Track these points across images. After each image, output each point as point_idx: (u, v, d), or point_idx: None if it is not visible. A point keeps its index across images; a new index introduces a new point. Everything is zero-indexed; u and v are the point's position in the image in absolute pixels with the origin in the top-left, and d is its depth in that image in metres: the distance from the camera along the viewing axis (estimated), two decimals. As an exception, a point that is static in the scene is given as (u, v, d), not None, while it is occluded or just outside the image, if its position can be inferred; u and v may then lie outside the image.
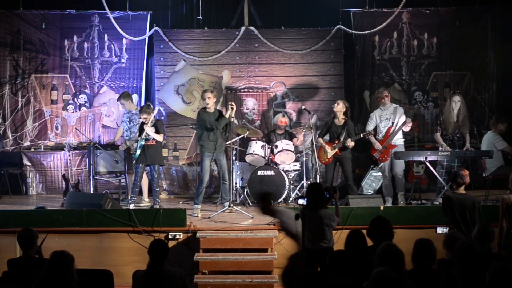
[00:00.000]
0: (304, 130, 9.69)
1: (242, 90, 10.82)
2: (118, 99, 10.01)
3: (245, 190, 9.49)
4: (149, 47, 10.99)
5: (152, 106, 9.41)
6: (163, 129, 9.08)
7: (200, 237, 7.61)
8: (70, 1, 10.96)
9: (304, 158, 9.52)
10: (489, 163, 8.95)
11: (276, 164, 9.57)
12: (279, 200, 9.32)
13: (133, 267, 6.16)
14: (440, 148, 9.12)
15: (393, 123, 9.09)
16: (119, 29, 10.49)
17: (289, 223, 6.01)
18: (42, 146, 10.84)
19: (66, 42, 10.98)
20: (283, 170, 9.46)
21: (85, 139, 10.76)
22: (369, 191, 9.63)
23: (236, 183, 9.34)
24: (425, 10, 11.06)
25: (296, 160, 9.62)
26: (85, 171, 10.47)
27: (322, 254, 5.39)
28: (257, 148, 9.50)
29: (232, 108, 8.71)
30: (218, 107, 10.73)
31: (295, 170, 9.67)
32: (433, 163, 9.00)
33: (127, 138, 9.73)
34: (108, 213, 7.84)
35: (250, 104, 10.85)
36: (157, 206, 8.73)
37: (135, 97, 10.77)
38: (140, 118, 9.06)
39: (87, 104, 11.03)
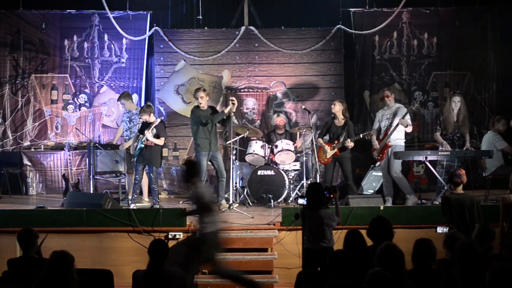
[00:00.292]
0: (304, 130, 9.68)
1: (242, 90, 10.82)
2: (119, 99, 10.01)
3: (245, 190, 9.49)
4: (149, 47, 11.00)
5: (152, 106, 9.41)
6: (164, 133, 9.07)
7: (200, 237, 7.60)
8: (70, 1, 10.97)
9: (304, 158, 9.52)
10: (489, 163, 8.95)
11: (276, 164, 9.57)
12: (279, 200, 9.33)
13: (133, 267, 6.15)
14: (440, 148, 9.11)
15: (391, 123, 9.09)
16: (119, 29, 10.49)
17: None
18: (42, 146, 10.84)
19: (66, 42, 10.99)
20: (283, 170, 9.47)
21: (85, 139, 10.76)
22: (369, 191, 9.63)
23: (236, 183, 9.34)
24: (425, 10, 11.06)
25: (296, 160, 9.63)
26: (85, 171, 10.47)
27: (322, 254, 5.38)
28: (257, 148, 9.50)
29: (233, 103, 8.66)
30: (218, 107, 10.75)
31: (295, 170, 9.67)
32: (433, 163, 8.99)
33: (127, 138, 9.73)
34: (108, 213, 7.84)
35: (250, 104, 10.85)
36: (157, 206, 8.73)
37: (135, 97, 10.77)
38: (140, 118, 9.07)
39: (87, 104, 11.03)
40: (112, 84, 11.03)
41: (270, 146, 9.74)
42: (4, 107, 10.83)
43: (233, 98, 8.80)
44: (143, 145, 8.84)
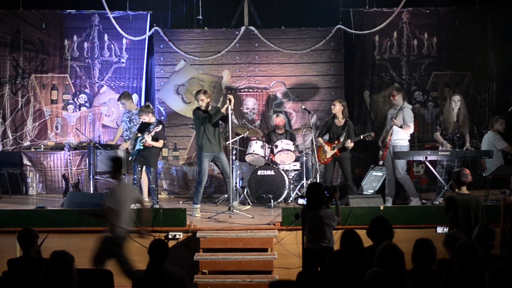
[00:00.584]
0: (304, 130, 9.68)
1: (242, 90, 10.82)
2: (119, 99, 10.01)
3: (245, 190, 9.49)
4: (149, 47, 10.99)
5: (151, 106, 9.42)
6: (163, 135, 9.08)
7: (200, 237, 7.61)
8: (70, 1, 10.96)
9: (304, 158, 9.52)
10: (489, 163, 8.95)
11: (276, 164, 9.57)
12: (279, 200, 9.33)
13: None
14: (440, 148, 9.12)
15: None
16: (119, 29, 10.48)
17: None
18: (42, 146, 10.84)
19: (66, 42, 10.99)
20: (283, 170, 9.47)
21: (85, 139, 10.76)
22: (369, 191, 9.63)
23: (236, 183, 9.34)
24: (425, 10, 11.06)
25: (296, 160, 9.63)
26: (85, 171, 10.47)
27: (322, 254, 5.38)
28: (257, 148, 9.50)
29: (230, 100, 8.48)
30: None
31: (295, 170, 9.67)
32: (433, 163, 9.00)
33: (127, 138, 9.73)
34: (108, 213, 7.83)
35: (250, 104, 10.85)
36: (157, 206, 8.73)
37: (135, 97, 10.77)
38: (139, 118, 9.07)
39: (87, 104, 11.03)
40: (112, 84, 11.03)
41: (270, 146, 9.74)
42: (4, 107, 10.82)
43: (230, 96, 8.65)
44: (141, 147, 8.85)
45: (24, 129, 10.91)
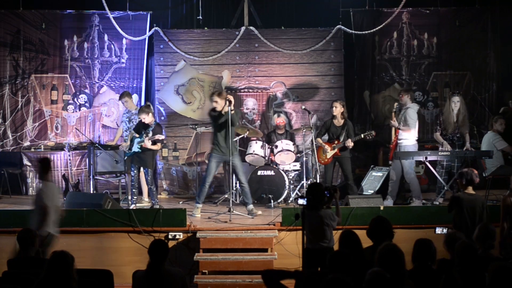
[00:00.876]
0: (304, 130, 9.68)
1: (242, 90, 10.82)
2: (120, 98, 10.01)
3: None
4: (149, 47, 11.00)
5: (151, 107, 9.42)
6: (151, 135, 9.08)
7: (200, 237, 7.61)
8: (70, 1, 10.96)
9: (304, 158, 9.52)
10: (489, 163, 8.95)
11: (276, 164, 9.57)
12: (279, 200, 9.33)
13: (133, 267, 6.16)
14: (440, 148, 9.12)
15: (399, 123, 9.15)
16: (119, 29, 10.48)
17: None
18: (42, 146, 10.84)
19: (66, 42, 10.99)
20: (283, 170, 9.47)
21: (85, 139, 10.76)
22: (369, 191, 9.63)
23: (236, 184, 9.33)
24: (425, 10, 11.07)
25: (296, 160, 9.62)
26: (85, 171, 10.47)
27: (322, 254, 5.38)
28: (257, 148, 9.50)
29: (230, 101, 8.29)
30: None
31: (295, 170, 9.67)
32: (433, 163, 9.00)
33: (127, 138, 9.73)
34: (108, 213, 7.84)
35: (250, 104, 10.85)
36: (157, 206, 8.73)
37: (135, 97, 10.77)
38: (139, 117, 9.05)
39: (87, 104, 11.03)
40: (112, 84, 11.03)
41: (270, 146, 9.74)
42: (4, 107, 10.82)
43: (229, 96, 8.45)
44: (139, 150, 8.85)
45: (24, 129, 10.91)
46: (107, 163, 9.59)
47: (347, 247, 5.08)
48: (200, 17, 10.70)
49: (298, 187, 9.62)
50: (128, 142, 9.21)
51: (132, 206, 8.80)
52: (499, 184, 8.77)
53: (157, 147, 8.98)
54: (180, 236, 7.72)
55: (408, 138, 9.09)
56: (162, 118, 10.70)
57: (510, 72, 10.94)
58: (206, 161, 10.61)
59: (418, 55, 11.10)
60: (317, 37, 10.74)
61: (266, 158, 9.68)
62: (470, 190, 6.65)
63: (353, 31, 10.71)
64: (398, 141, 9.10)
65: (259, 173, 9.37)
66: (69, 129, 10.99)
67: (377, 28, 10.60)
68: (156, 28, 10.69)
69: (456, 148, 8.96)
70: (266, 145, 9.73)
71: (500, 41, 11.00)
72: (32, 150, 10.78)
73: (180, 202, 9.85)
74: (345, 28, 10.67)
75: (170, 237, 7.67)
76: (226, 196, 9.33)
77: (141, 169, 9.11)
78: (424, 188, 9.78)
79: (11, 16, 10.83)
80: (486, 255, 5.14)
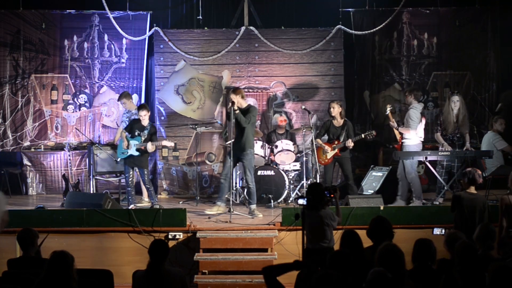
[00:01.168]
0: (304, 130, 9.68)
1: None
2: (119, 99, 10.00)
3: (245, 190, 9.47)
4: (149, 47, 11.00)
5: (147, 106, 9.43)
6: (156, 139, 9.09)
7: (200, 237, 7.61)
8: (70, 1, 10.97)
9: (304, 158, 9.52)
10: (489, 163, 8.95)
11: (276, 164, 9.57)
12: (279, 200, 9.33)
13: (133, 267, 6.16)
14: (440, 148, 9.12)
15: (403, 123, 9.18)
16: (119, 29, 10.49)
17: None
18: (42, 146, 10.84)
19: (66, 42, 10.99)
20: (283, 170, 9.46)
21: (85, 139, 10.76)
22: (369, 191, 9.62)
23: (236, 183, 9.33)
24: (425, 10, 11.07)
25: (296, 160, 9.62)
26: (85, 171, 10.47)
27: (322, 254, 5.38)
28: (257, 148, 9.49)
29: (233, 102, 8.28)
30: (218, 107, 10.75)
31: (295, 170, 9.67)
32: (433, 163, 9.00)
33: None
34: (108, 213, 7.84)
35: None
36: (157, 206, 8.72)
37: (135, 97, 10.78)
38: (140, 114, 9.01)
39: (87, 104, 11.04)
40: (112, 84, 11.03)
41: (270, 146, 9.74)
42: (4, 107, 10.83)
43: (231, 96, 8.43)
44: (138, 153, 8.84)
45: (24, 129, 10.91)
46: (107, 163, 9.59)
47: (349, 247, 5.08)
48: (200, 17, 10.69)
49: (298, 187, 9.62)
50: (126, 142, 9.06)
51: (131, 206, 8.80)
52: (499, 184, 8.77)
53: (153, 148, 8.99)
54: (180, 236, 7.72)
55: (411, 138, 9.08)
56: (162, 118, 10.70)
57: (510, 72, 10.94)
58: (206, 161, 10.65)
59: (418, 55, 11.10)
60: (317, 37, 10.74)
61: (266, 158, 9.69)
62: (472, 189, 6.65)
63: (353, 31, 10.71)
64: (402, 141, 9.11)
65: (259, 173, 9.37)
66: (69, 129, 10.99)
67: (377, 28, 10.60)
68: (156, 28, 10.69)
69: (456, 148, 8.96)
70: (266, 145, 9.73)
71: (500, 41, 11.00)
72: (32, 150, 10.78)
73: (180, 202, 9.84)
74: (345, 28, 10.67)
75: (170, 237, 7.67)
76: (226, 196, 9.32)
77: (136, 169, 9.07)
78: (424, 188, 9.77)
79: (11, 16, 10.84)
80: (486, 256, 5.14)
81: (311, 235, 5.90)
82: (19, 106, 10.88)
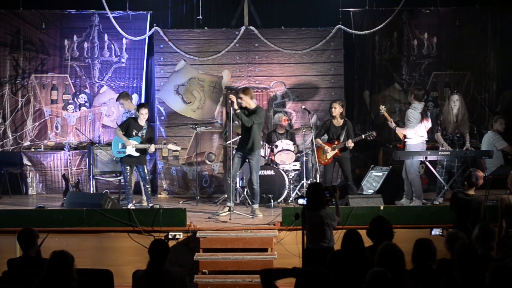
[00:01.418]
0: (304, 130, 9.68)
1: (242, 90, 10.80)
2: (117, 99, 10.01)
3: (245, 190, 9.48)
4: (149, 47, 11.00)
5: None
6: (153, 140, 9.10)
7: (200, 236, 7.61)
8: (70, 1, 10.97)
9: (304, 158, 9.52)
10: (489, 163, 8.96)
11: (276, 163, 9.57)
12: (279, 200, 9.33)
13: (133, 267, 6.15)
14: (440, 148, 9.13)
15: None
16: (119, 29, 10.49)
17: None
18: (42, 146, 10.85)
19: (66, 42, 10.99)
20: (283, 170, 9.46)
21: (85, 139, 10.76)
22: (369, 191, 9.62)
23: (236, 183, 9.33)
24: (425, 10, 11.07)
25: (296, 160, 9.62)
26: (85, 171, 10.47)
27: (322, 254, 5.38)
28: (257, 148, 9.49)
29: (232, 102, 8.30)
30: (218, 107, 10.75)
31: (295, 170, 9.67)
32: (433, 163, 9.00)
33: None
34: (108, 213, 7.84)
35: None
36: (151, 205, 8.76)
37: (135, 97, 10.79)
38: (141, 113, 9.00)
39: (87, 104, 11.04)
40: (112, 84, 11.04)
41: (270, 146, 9.74)
42: (4, 107, 10.83)
43: (231, 96, 8.41)
44: (136, 153, 8.87)
45: (24, 129, 10.91)
46: (107, 163, 9.59)
47: (350, 247, 5.08)
48: (200, 17, 10.69)
49: (298, 187, 9.62)
50: (128, 141, 9.03)
51: (130, 206, 8.80)
52: (499, 184, 8.76)
53: (153, 149, 9.06)
54: (180, 236, 7.72)
55: (412, 137, 9.09)
56: (162, 118, 10.70)
57: (510, 72, 10.94)
58: (206, 161, 10.65)
59: (418, 55, 11.10)
60: (317, 37, 10.73)
61: (266, 157, 9.69)
62: (470, 191, 6.66)
63: (353, 31, 10.71)
64: (405, 140, 9.13)
65: (259, 173, 9.36)
66: (69, 129, 10.99)
67: (377, 28, 10.60)
68: (156, 28, 10.69)
69: (456, 148, 8.96)
70: (266, 144, 9.73)
71: (500, 41, 11.00)
72: (32, 150, 10.79)
73: (180, 202, 9.84)
74: (345, 28, 10.67)
75: (170, 237, 7.67)
76: (226, 196, 9.32)
77: (134, 167, 9.08)
78: (424, 188, 9.77)
79: (11, 16, 10.84)
80: (486, 256, 5.14)
81: (311, 235, 5.91)
82: (19, 106, 10.89)
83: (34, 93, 10.94)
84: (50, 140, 10.95)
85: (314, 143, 9.17)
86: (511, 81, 10.90)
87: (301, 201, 5.32)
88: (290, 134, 10.06)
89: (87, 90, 11.04)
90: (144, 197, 9.48)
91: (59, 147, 10.81)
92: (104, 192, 9.66)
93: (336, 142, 9.12)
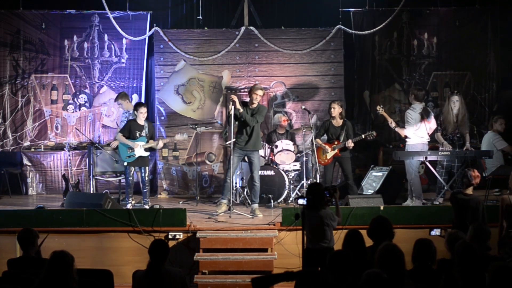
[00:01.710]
0: (304, 130, 9.68)
1: (242, 90, 10.80)
2: (116, 100, 10.01)
3: (245, 190, 9.49)
4: (149, 47, 11.00)
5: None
6: (155, 134, 9.13)
7: (200, 237, 7.61)
8: (70, 1, 10.97)
9: (304, 158, 9.52)
10: (489, 163, 8.96)
11: (276, 164, 9.57)
12: (279, 200, 9.33)
13: (133, 267, 6.16)
14: (440, 148, 9.13)
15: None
16: (119, 29, 10.49)
17: None
18: (42, 146, 10.84)
19: (66, 42, 10.99)
20: (283, 170, 9.47)
21: (85, 139, 10.76)
22: (369, 191, 9.62)
23: (236, 183, 9.33)
24: (425, 10, 11.06)
25: (296, 160, 9.62)
26: (85, 171, 10.47)
27: (322, 254, 5.38)
28: (257, 148, 9.49)
29: (233, 101, 8.33)
30: (218, 107, 10.75)
31: (295, 170, 9.67)
32: (433, 163, 9.00)
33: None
34: (108, 213, 7.84)
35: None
36: (147, 206, 8.79)
37: (135, 97, 10.79)
38: (140, 113, 9.00)
39: (87, 104, 11.04)
40: (112, 84, 11.03)
41: (270, 146, 9.74)
42: (4, 107, 10.83)
43: (233, 96, 8.45)
44: (146, 153, 8.92)
45: (24, 129, 10.91)
46: (107, 163, 9.59)
47: (351, 247, 5.08)
48: (200, 17, 10.69)
49: (298, 187, 9.62)
50: (137, 143, 9.01)
51: (129, 205, 8.81)
52: (499, 184, 8.77)
53: (160, 145, 9.12)
54: (180, 236, 7.72)
55: (411, 137, 9.09)
56: (162, 118, 10.70)
57: (510, 72, 10.94)
58: (206, 161, 10.64)
59: (418, 55, 11.10)
60: (317, 37, 10.73)
61: (266, 158, 9.68)
62: (468, 190, 6.68)
63: (353, 31, 10.71)
64: (406, 140, 9.14)
65: (259, 173, 9.36)
66: (69, 129, 10.99)
67: (377, 28, 10.60)
68: (156, 28, 10.69)
69: (456, 148, 8.96)
70: (266, 145, 9.73)
71: (500, 41, 11.00)
72: (32, 150, 10.79)
73: (180, 202, 9.84)
74: (345, 28, 10.67)
75: (170, 237, 7.67)
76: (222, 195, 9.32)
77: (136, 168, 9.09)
78: (424, 188, 9.78)
79: (11, 16, 10.84)
80: (486, 256, 5.14)
81: (311, 235, 5.91)
82: (19, 106, 10.89)
83: (34, 93, 10.94)
84: (50, 140, 10.95)
85: (314, 143, 9.17)
86: (511, 81, 10.90)
87: (301, 201, 5.33)
88: (290, 134, 10.06)
89: (87, 90, 11.04)
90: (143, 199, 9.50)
91: (59, 147, 10.81)
92: (104, 192, 9.66)
93: (336, 142, 9.12)
